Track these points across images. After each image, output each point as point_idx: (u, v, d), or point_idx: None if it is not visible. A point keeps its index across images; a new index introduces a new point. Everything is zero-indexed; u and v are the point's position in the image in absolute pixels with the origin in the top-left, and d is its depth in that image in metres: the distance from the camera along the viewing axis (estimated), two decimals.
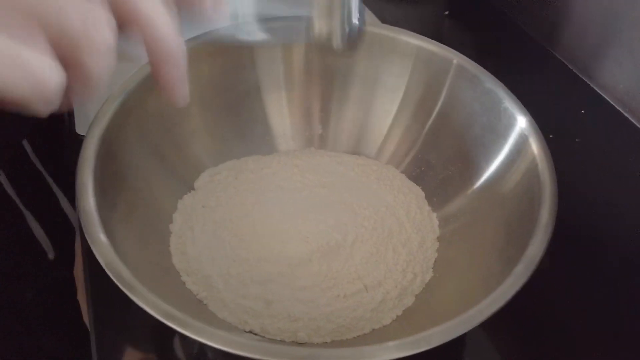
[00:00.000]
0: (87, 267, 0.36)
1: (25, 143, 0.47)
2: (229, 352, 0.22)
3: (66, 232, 0.55)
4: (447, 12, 0.64)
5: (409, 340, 0.23)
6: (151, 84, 0.35)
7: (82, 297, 0.69)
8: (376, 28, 0.39)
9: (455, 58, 0.36)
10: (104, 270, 0.25)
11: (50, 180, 0.50)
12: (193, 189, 0.38)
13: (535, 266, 0.26)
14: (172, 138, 0.36)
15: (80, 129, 0.44)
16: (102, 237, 0.26)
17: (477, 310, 0.25)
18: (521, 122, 0.33)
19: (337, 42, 0.33)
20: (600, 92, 0.52)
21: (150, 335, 0.34)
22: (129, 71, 0.35)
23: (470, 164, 0.36)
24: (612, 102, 0.51)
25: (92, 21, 0.18)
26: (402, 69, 0.38)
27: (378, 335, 0.31)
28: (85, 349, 0.70)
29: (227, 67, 0.38)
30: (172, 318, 0.24)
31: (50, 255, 0.51)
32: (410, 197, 0.38)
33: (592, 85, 0.53)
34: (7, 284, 0.50)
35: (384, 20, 0.58)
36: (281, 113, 0.40)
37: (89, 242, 0.26)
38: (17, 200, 0.46)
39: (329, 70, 0.39)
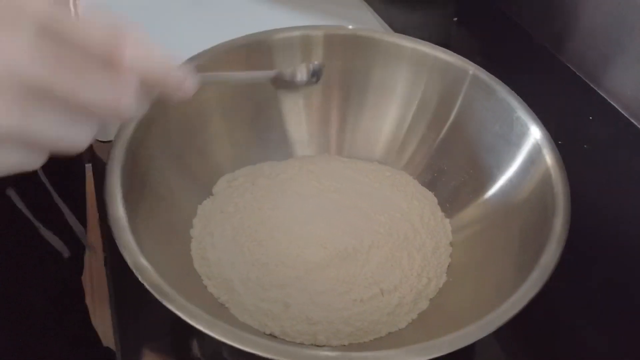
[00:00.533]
0: (110, 272, 0.37)
1: None
2: (260, 355, 0.23)
3: (74, 242, 0.56)
4: (455, 19, 0.64)
5: (430, 344, 0.24)
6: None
7: (90, 302, 0.70)
8: (393, 37, 0.39)
9: (471, 68, 0.37)
10: (124, 274, 0.26)
11: (55, 195, 0.51)
12: (212, 194, 0.39)
13: (549, 275, 0.27)
14: (193, 144, 0.37)
15: (99, 135, 0.45)
16: (133, 244, 0.27)
17: (493, 316, 0.26)
18: (535, 132, 0.34)
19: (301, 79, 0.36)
20: (608, 99, 0.53)
21: (170, 337, 0.35)
22: None
23: (482, 172, 0.37)
24: (619, 109, 0.52)
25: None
26: (418, 78, 0.39)
27: (394, 339, 0.32)
28: (93, 352, 0.71)
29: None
30: (204, 321, 0.25)
31: (65, 254, 0.52)
32: (424, 203, 0.39)
33: (599, 92, 0.54)
34: (19, 290, 0.51)
35: (392, 26, 0.59)
36: (298, 120, 0.41)
37: (120, 247, 0.27)
38: (29, 214, 0.47)
39: (346, 78, 0.40)
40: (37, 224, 0.48)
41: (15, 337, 0.55)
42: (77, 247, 0.57)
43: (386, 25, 0.59)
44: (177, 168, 0.37)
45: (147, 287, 0.26)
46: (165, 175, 0.36)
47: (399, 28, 0.59)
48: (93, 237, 0.63)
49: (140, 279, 0.26)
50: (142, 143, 0.33)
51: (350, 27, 0.40)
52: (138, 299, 0.35)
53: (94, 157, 0.44)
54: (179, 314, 0.25)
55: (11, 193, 0.45)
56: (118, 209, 0.29)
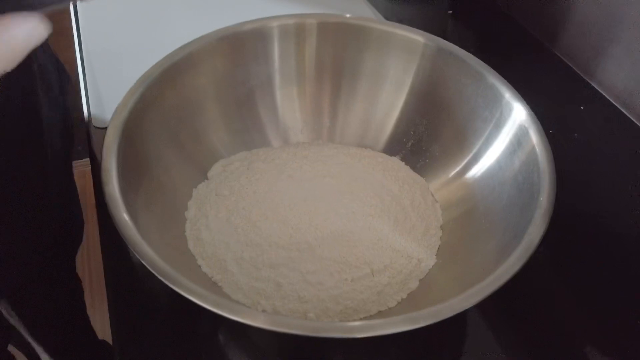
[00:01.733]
0: (105, 251, 0.37)
1: None
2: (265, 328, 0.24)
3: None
4: (450, 11, 0.65)
5: (412, 316, 0.25)
6: (169, 77, 0.37)
7: (87, 292, 0.71)
8: (383, 25, 0.40)
9: (460, 54, 0.38)
10: (121, 253, 0.27)
11: None
12: (207, 178, 0.40)
13: (533, 250, 0.28)
14: (188, 129, 0.38)
15: (97, 122, 0.46)
16: (126, 217, 0.28)
17: (476, 289, 0.27)
18: (521, 114, 0.34)
19: None
20: (600, 90, 0.54)
21: (165, 323, 0.36)
22: (148, 65, 0.36)
23: (472, 155, 0.38)
24: (610, 100, 0.53)
25: None
26: (408, 64, 0.40)
27: (383, 317, 0.33)
28: (89, 345, 0.72)
29: (240, 62, 0.40)
30: (197, 294, 0.25)
31: None
32: (414, 187, 0.40)
33: (591, 83, 0.54)
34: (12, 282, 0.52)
35: (388, 19, 0.60)
36: (292, 106, 0.42)
37: (115, 222, 0.28)
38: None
39: (339, 65, 0.41)
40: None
41: (10, 329, 0.55)
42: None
43: (381, 17, 0.60)
44: (173, 152, 0.38)
45: (142, 260, 0.27)
46: (161, 158, 0.36)
47: (394, 20, 0.60)
48: (90, 231, 0.64)
49: (134, 253, 0.27)
50: (138, 127, 0.34)
51: (343, 15, 0.40)
52: (134, 287, 0.36)
53: (92, 144, 0.45)
54: (174, 287, 0.25)
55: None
56: (114, 188, 0.29)
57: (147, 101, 0.35)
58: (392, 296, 0.34)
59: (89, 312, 0.71)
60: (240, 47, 0.39)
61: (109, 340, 0.60)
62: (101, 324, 0.73)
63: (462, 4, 0.66)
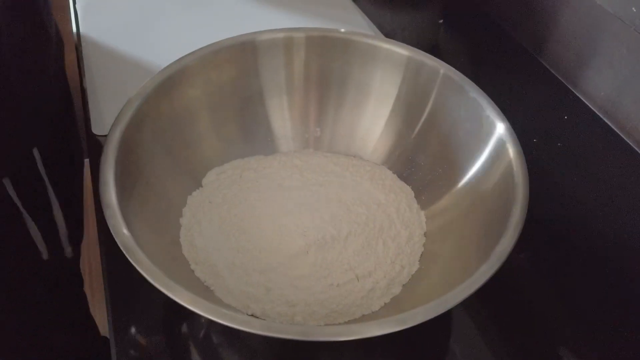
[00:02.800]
0: (104, 258, 0.39)
1: (35, 151, 0.51)
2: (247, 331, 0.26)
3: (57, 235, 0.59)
4: (441, 21, 0.67)
5: (393, 319, 0.27)
6: (165, 90, 0.38)
7: (88, 290, 0.72)
8: (370, 39, 0.42)
9: (442, 69, 0.40)
10: (119, 260, 0.29)
11: (50, 189, 0.53)
12: (201, 185, 0.41)
13: (504, 258, 0.29)
14: (183, 139, 0.40)
15: (96, 129, 0.47)
16: (125, 230, 0.29)
17: (457, 291, 0.28)
18: (500, 128, 0.36)
19: None
20: (583, 99, 0.55)
21: (161, 321, 0.38)
22: (145, 78, 0.38)
23: (454, 166, 0.39)
24: (593, 109, 0.54)
25: None
26: (394, 77, 0.41)
27: (367, 320, 0.35)
28: (91, 341, 0.73)
29: (232, 74, 0.41)
30: (188, 298, 0.27)
31: (45, 255, 0.55)
32: (400, 195, 0.41)
33: (575, 92, 0.56)
34: (10, 283, 0.53)
35: (381, 27, 0.62)
36: (282, 116, 0.43)
37: (113, 233, 0.29)
38: (19, 203, 0.49)
39: (326, 77, 0.43)
40: (26, 215, 0.51)
41: (13, 324, 0.57)
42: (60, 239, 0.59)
43: (374, 27, 0.61)
44: (169, 161, 0.39)
45: (136, 266, 0.28)
46: (157, 167, 0.38)
47: (387, 29, 0.62)
48: (91, 230, 0.66)
49: (129, 259, 0.29)
50: (135, 136, 0.36)
51: (330, 28, 0.42)
52: (132, 289, 0.37)
53: (91, 151, 0.47)
54: (166, 292, 0.27)
55: (6, 182, 0.48)
56: (111, 196, 0.31)
57: (143, 113, 0.36)
58: (375, 300, 0.36)
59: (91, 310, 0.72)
60: (232, 60, 0.41)
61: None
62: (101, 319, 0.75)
63: (453, 13, 0.67)
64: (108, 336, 0.72)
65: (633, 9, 0.45)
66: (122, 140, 0.34)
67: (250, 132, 0.43)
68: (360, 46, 0.41)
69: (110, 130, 0.34)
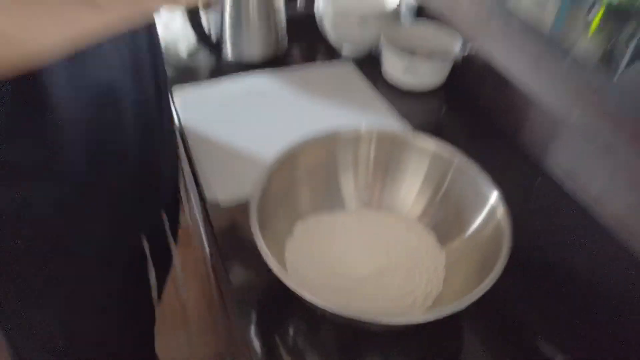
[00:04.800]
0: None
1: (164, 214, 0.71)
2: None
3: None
4: (444, 108, 0.90)
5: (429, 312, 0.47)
6: (280, 168, 0.59)
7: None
8: (410, 136, 0.64)
9: (456, 158, 0.61)
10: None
11: (173, 245, 0.73)
12: (302, 223, 0.62)
13: (495, 280, 0.50)
14: (291, 199, 0.61)
15: (209, 195, 0.68)
16: (283, 267, 0.50)
17: (460, 302, 0.49)
18: (494, 199, 0.57)
19: None
20: (550, 170, 0.77)
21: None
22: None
23: (463, 221, 0.60)
24: (558, 178, 0.76)
25: None
26: (423, 161, 0.63)
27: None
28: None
29: (322, 157, 0.64)
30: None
31: (155, 296, 0.73)
32: (428, 240, 0.62)
33: (545, 166, 0.78)
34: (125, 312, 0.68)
35: (400, 111, 0.84)
36: (349, 185, 0.65)
37: (277, 274, 0.49)
38: (147, 253, 0.68)
39: (380, 160, 0.65)
40: (150, 263, 0.69)
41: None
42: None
43: (397, 113, 0.84)
44: (284, 211, 0.60)
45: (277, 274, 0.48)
46: (276, 216, 0.59)
47: (405, 112, 0.85)
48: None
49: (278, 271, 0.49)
50: (263, 202, 0.56)
51: (383, 129, 0.64)
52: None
53: (209, 221, 0.67)
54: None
55: (143, 237, 0.67)
56: (262, 244, 0.51)
57: (268, 185, 0.57)
58: (416, 309, 0.56)
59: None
60: (320, 149, 0.63)
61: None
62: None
63: (454, 103, 0.90)
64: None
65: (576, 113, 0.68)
66: (259, 206, 0.55)
67: (328, 195, 0.64)
68: (404, 140, 0.63)
69: (251, 199, 0.55)
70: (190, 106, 0.85)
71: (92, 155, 0.54)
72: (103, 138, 0.54)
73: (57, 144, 0.50)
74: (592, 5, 0.59)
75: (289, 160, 0.60)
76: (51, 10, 0.34)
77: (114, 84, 0.53)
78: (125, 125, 0.57)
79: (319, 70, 0.96)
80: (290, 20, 1.00)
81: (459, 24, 0.83)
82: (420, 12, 1.04)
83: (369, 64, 0.98)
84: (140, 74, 0.58)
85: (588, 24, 0.61)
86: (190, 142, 0.78)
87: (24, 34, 0.34)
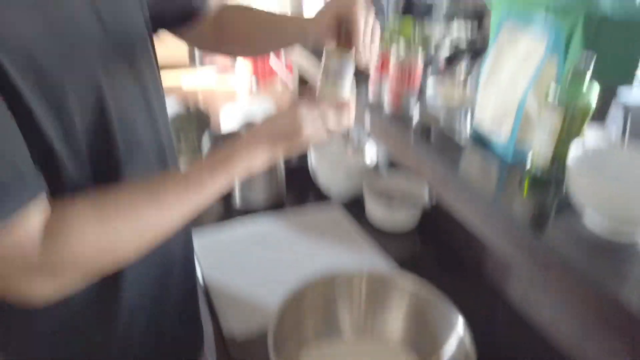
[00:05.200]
0: None
1: None
2: None
3: None
4: (418, 246, 1.08)
5: None
6: (289, 307, 0.74)
7: None
8: (395, 276, 0.80)
9: (432, 296, 0.77)
10: None
11: None
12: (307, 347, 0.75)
13: None
14: (292, 332, 0.75)
15: (227, 334, 0.82)
16: None
17: None
18: (461, 328, 0.72)
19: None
20: (508, 298, 0.93)
21: None
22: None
23: (437, 342, 0.75)
24: (515, 307, 0.92)
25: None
26: (403, 298, 0.79)
27: None
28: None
29: (327, 296, 0.79)
30: None
31: None
32: (411, 357, 0.76)
33: (506, 295, 0.94)
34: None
35: (384, 247, 1.02)
36: (345, 318, 0.79)
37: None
38: None
39: (370, 294, 0.80)
40: None
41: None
42: None
43: (380, 250, 1.01)
44: (294, 334, 0.74)
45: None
46: (284, 347, 0.72)
47: (387, 249, 1.02)
48: None
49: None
50: (279, 331, 0.70)
51: (372, 271, 0.81)
52: None
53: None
54: None
55: None
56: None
57: (280, 324, 0.71)
58: None
59: None
60: (325, 289, 0.78)
61: None
62: None
63: (425, 241, 1.09)
64: None
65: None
66: (275, 335, 0.69)
67: (329, 326, 0.78)
68: (389, 278, 0.79)
69: (269, 332, 0.69)
70: (208, 251, 1.01)
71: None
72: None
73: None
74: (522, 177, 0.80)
75: (294, 303, 0.76)
76: None
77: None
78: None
79: (313, 214, 1.15)
80: (288, 171, 1.21)
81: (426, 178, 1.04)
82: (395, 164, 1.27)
83: (356, 206, 1.17)
84: None
85: (522, 189, 0.82)
86: (209, 285, 0.92)
87: None
